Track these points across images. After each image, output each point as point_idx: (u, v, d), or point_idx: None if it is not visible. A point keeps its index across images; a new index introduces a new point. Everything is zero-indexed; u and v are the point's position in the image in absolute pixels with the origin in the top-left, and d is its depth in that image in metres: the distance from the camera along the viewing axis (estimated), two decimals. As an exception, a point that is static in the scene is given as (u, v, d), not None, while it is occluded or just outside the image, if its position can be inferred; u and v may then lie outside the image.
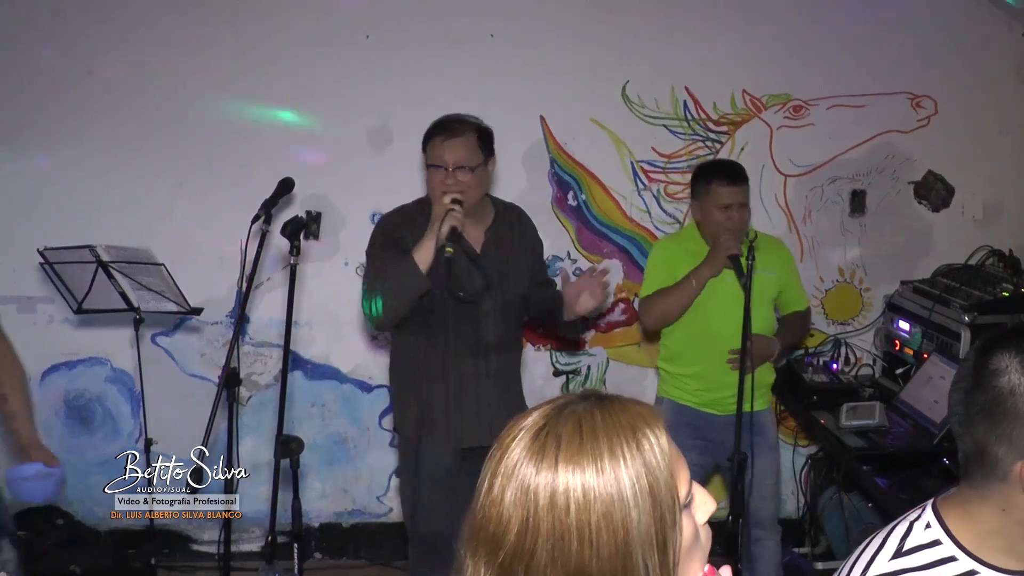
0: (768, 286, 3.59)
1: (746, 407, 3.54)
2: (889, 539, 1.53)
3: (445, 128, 3.09)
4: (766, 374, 3.69)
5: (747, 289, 3.24)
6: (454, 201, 2.98)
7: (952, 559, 1.48)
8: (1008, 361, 1.41)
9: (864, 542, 1.56)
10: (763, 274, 3.53)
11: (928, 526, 1.51)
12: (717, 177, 3.52)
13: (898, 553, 1.50)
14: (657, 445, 1.13)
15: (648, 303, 3.65)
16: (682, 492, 1.15)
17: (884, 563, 1.50)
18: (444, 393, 3.15)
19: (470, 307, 3.13)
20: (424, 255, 2.97)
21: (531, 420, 1.17)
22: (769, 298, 3.62)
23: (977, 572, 1.47)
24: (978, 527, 1.48)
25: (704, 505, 1.20)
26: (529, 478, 1.11)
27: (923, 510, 1.54)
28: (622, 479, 1.10)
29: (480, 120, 3.17)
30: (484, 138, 3.14)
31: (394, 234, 3.15)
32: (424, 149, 3.14)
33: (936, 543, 1.49)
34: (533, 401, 4.55)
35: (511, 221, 3.32)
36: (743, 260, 3.28)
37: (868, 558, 1.52)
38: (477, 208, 3.16)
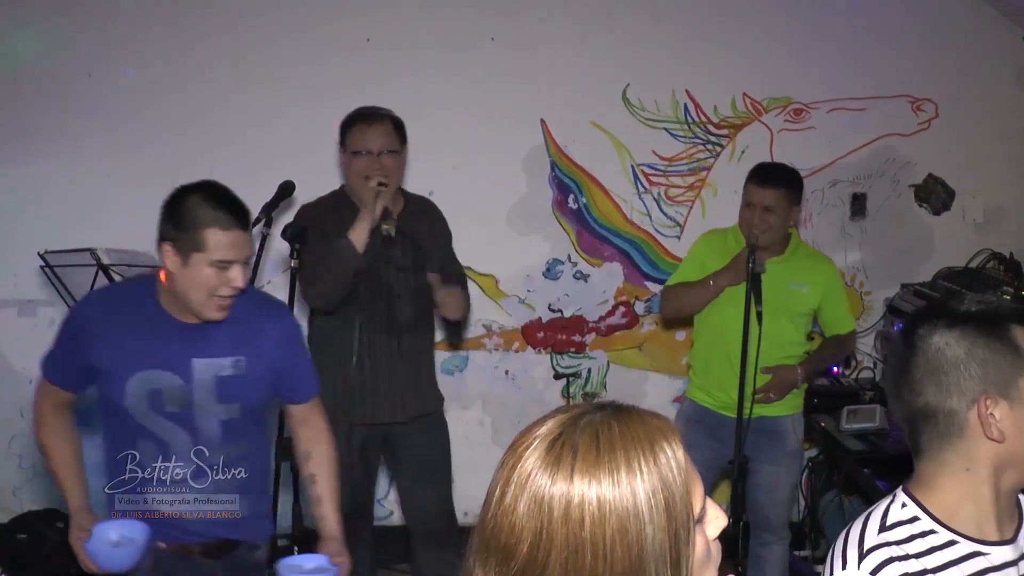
0: (798, 300, 3.52)
1: (767, 412, 3.54)
2: (871, 520, 1.57)
3: (366, 116, 3.26)
4: None
5: (748, 295, 3.25)
6: (379, 184, 3.13)
7: (932, 532, 1.52)
8: (931, 327, 1.54)
9: (841, 534, 1.60)
10: (794, 288, 3.49)
11: (904, 505, 1.56)
12: (753, 175, 3.52)
13: (883, 528, 1.55)
14: (674, 459, 1.12)
15: (669, 293, 3.67)
16: (696, 508, 1.14)
17: (874, 536, 1.54)
18: (358, 371, 3.26)
19: (384, 288, 3.27)
20: (359, 235, 3.09)
21: (546, 429, 1.15)
22: (798, 313, 3.55)
23: (956, 542, 1.51)
24: (948, 499, 1.54)
25: (716, 520, 1.19)
26: (543, 489, 1.09)
27: (894, 496, 1.59)
28: (638, 493, 1.08)
29: (392, 112, 3.33)
30: (399, 127, 3.30)
31: (316, 223, 3.25)
32: (342, 139, 3.30)
33: (915, 519, 1.54)
34: (534, 405, 4.53)
35: (422, 210, 3.45)
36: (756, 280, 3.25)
37: (857, 536, 1.55)
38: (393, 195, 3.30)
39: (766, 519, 3.62)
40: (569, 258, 4.45)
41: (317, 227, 3.24)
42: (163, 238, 2.36)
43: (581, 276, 4.47)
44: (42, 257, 3.59)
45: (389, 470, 3.62)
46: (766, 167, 3.63)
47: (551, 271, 4.43)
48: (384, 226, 3.11)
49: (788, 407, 3.62)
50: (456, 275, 3.52)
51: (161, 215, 2.40)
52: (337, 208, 3.27)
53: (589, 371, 4.53)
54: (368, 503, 3.57)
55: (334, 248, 3.13)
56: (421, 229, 3.38)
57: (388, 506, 4.49)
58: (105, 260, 3.59)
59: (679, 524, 1.10)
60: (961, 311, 1.53)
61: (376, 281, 3.26)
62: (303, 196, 3.89)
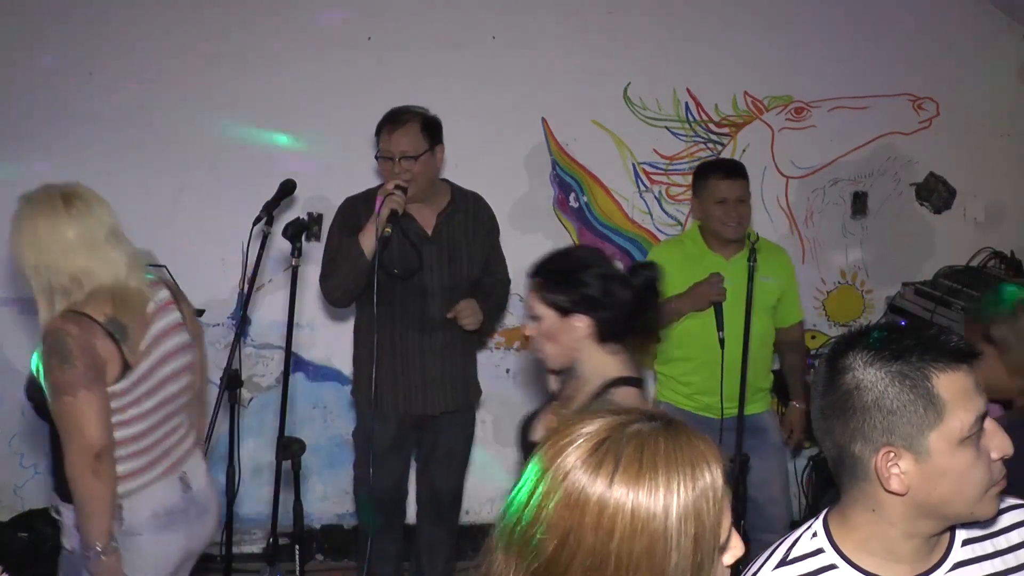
0: (767, 293, 3.55)
1: (746, 410, 3.54)
2: (780, 548, 1.53)
3: (391, 120, 3.32)
4: (762, 378, 3.67)
5: (749, 294, 3.25)
6: (397, 187, 3.18)
7: (832, 567, 1.47)
8: (852, 358, 1.41)
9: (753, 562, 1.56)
10: (762, 280, 3.51)
11: (815, 535, 1.51)
12: (714, 172, 3.55)
13: (783, 562, 1.50)
14: (712, 488, 1.10)
15: None
16: (723, 537, 1.13)
17: (768, 572, 1.50)
18: (391, 366, 3.36)
19: (417, 285, 3.35)
20: (367, 237, 3.19)
21: (592, 428, 1.13)
22: (767, 305, 3.58)
23: None
24: (856, 534, 1.47)
25: (734, 549, 1.17)
26: (579, 491, 1.08)
27: (816, 519, 1.54)
28: (671, 515, 1.07)
29: (426, 111, 3.36)
30: (429, 127, 3.32)
31: (349, 217, 3.38)
32: (376, 141, 3.36)
33: (819, 551, 1.48)
34: (535, 404, 4.54)
35: (467, 207, 3.49)
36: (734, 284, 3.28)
37: (756, 567, 1.52)
38: (429, 193, 3.38)
39: (769, 517, 3.60)
40: (570, 257, 4.45)
41: (350, 222, 3.34)
42: None
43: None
44: (43, 256, 3.58)
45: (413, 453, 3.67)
46: (719, 163, 3.73)
47: (552, 270, 4.43)
48: (385, 229, 3.13)
49: (764, 404, 3.68)
50: (493, 276, 3.58)
51: None
52: (368, 202, 3.34)
53: (590, 370, 4.52)
54: (402, 492, 3.62)
55: (348, 248, 3.24)
56: (457, 226, 3.44)
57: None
58: (106, 259, 3.59)
59: (704, 554, 1.09)
60: (882, 347, 1.40)
61: (409, 280, 3.34)
62: (304, 194, 3.89)
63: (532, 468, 1.14)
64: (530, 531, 1.10)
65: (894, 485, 1.39)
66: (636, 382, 2.27)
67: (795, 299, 3.76)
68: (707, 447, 1.13)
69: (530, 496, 1.11)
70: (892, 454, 1.38)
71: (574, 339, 2.26)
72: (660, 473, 1.08)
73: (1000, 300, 2.37)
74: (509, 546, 1.12)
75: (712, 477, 1.11)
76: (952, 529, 1.48)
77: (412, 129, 3.28)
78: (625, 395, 2.21)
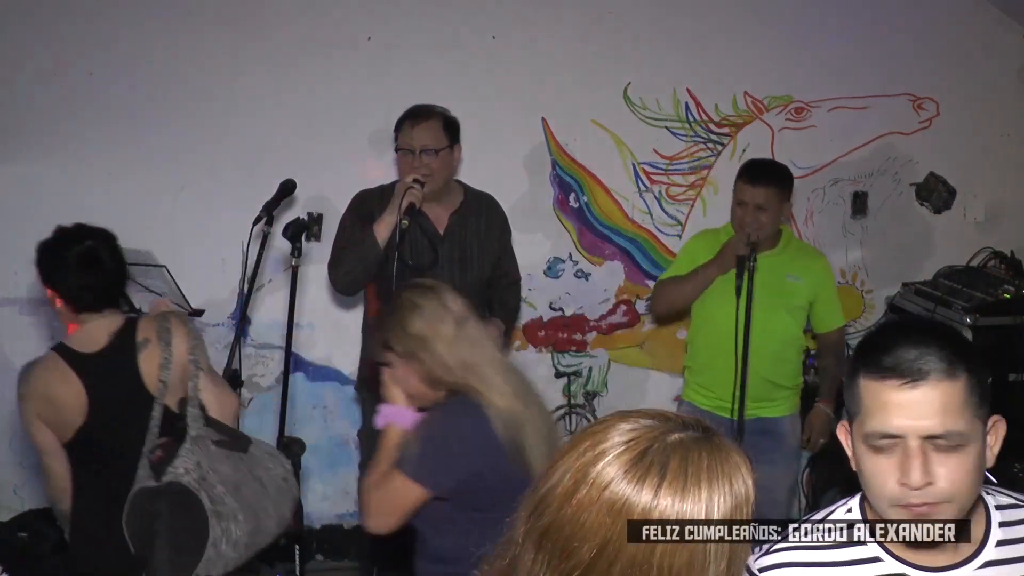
0: (793, 293, 3.53)
1: (764, 412, 3.53)
2: (812, 517, 1.57)
3: (413, 115, 3.36)
4: (788, 377, 3.62)
5: (749, 293, 3.24)
6: (416, 181, 3.23)
7: (862, 543, 1.50)
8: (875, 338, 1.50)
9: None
10: (789, 280, 3.50)
11: (850, 510, 1.54)
12: (742, 173, 3.51)
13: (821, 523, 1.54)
14: (746, 504, 1.12)
15: (660, 287, 3.71)
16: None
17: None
18: None
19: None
20: (383, 227, 3.22)
21: (632, 435, 1.12)
22: (793, 306, 3.54)
23: (881, 560, 1.48)
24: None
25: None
26: (621, 502, 1.08)
27: (853, 496, 1.56)
28: (712, 534, 1.09)
29: (447, 110, 3.40)
30: (449, 126, 3.37)
31: (363, 208, 3.42)
32: (395, 136, 3.40)
33: (853, 524, 1.52)
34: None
35: (479, 208, 3.53)
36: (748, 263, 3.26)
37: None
38: (444, 191, 3.41)
39: (760, 517, 3.61)
40: (570, 256, 4.45)
41: (365, 213, 3.37)
42: None
43: (582, 275, 4.46)
44: (43, 256, 3.58)
45: None
46: (756, 165, 3.63)
47: (552, 270, 4.43)
48: (403, 221, 3.19)
49: (786, 407, 3.62)
50: (505, 276, 3.60)
51: None
52: (383, 197, 3.37)
53: (590, 370, 4.53)
54: None
55: (362, 236, 3.26)
56: (470, 226, 3.47)
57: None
58: (106, 259, 3.59)
59: (735, 570, 1.12)
60: (887, 338, 1.45)
61: (421, 277, 3.34)
62: (304, 194, 3.90)
63: (563, 469, 1.13)
64: (566, 532, 1.10)
65: (852, 460, 1.49)
66: (66, 351, 2.52)
67: (833, 304, 3.68)
68: (740, 458, 1.14)
69: (565, 501, 1.11)
70: (844, 428, 1.50)
71: (57, 308, 2.57)
72: (703, 489, 1.09)
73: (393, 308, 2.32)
74: (541, 546, 1.12)
75: (746, 489, 1.12)
76: (987, 527, 1.49)
77: (434, 125, 3.33)
78: (40, 364, 2.54)
